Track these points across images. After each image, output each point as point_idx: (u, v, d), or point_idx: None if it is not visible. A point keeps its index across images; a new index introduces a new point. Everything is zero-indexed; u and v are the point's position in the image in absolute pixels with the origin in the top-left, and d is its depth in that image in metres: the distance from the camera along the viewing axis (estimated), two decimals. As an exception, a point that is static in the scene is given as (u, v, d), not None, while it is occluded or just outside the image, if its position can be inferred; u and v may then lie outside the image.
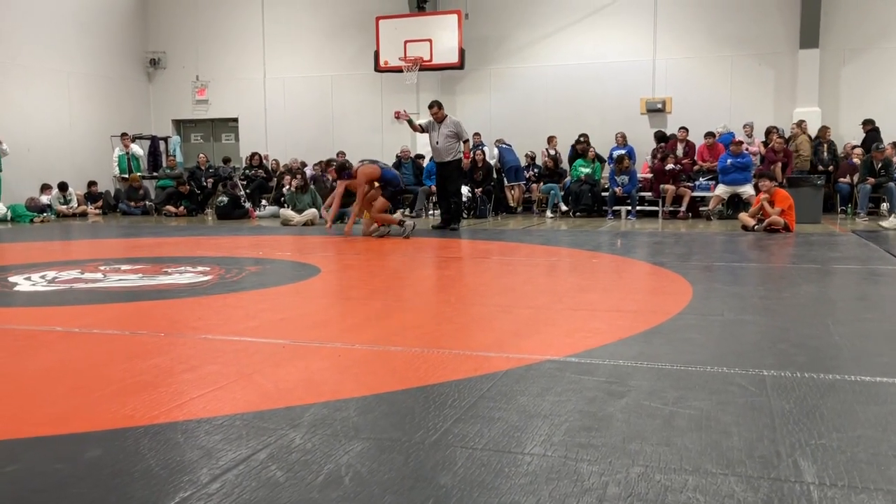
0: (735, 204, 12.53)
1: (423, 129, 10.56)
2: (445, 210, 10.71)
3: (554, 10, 15.32)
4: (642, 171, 13.85)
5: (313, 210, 12.33)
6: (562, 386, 2.82)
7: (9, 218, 13.55)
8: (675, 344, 3.51)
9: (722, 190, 12.43)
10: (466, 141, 10.54)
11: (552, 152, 14.46)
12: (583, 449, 2.20)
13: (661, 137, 14.23)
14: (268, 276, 6.12)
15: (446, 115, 10.41)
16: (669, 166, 12.98)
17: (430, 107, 10.48)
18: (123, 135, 16.22)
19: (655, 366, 3.09)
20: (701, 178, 13.22)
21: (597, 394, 2.73)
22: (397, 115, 10.45)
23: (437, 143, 10.36)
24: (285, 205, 12.86)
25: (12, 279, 5.84)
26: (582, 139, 13.95)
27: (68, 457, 2.18)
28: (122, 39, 17.28)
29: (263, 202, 14.90)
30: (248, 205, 14.26)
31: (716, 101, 14.46)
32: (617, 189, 13.02)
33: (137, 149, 16.42)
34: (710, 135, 13.49)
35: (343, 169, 9.94)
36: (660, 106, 14.72)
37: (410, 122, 10.58)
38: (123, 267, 6.45)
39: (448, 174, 10.58)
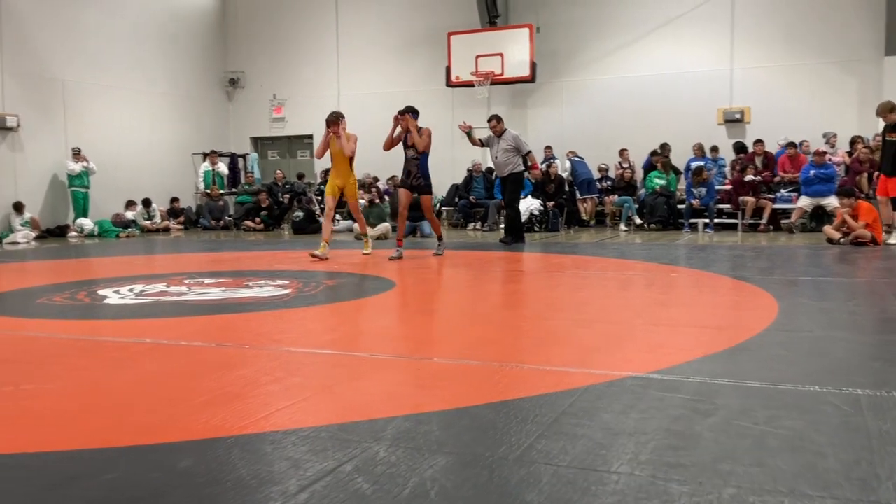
0: (819, 216, 12.11)
1: (483, 143, 10.37)
2: (512, 224, 10.63)
3: (627, 21, 15.16)
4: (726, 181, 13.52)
5: (386, 224, 12.48)
6: (646, 403, 2.76)
7: (96, 233, 14.14)
8: (763, 361, 3.41)
9: (805, 202, 12.04)
10: (529, 152, 10.30)
11: (626, 165, 14.28)
12: (671, 468, 2.15)
13: (739, 148, 13.89)
14: (344, 290, 6.21)
15: (505, 129, 10.24)
16: (749, 177, 12.65)
17: (489, 120, 10.34)
18: (212, 152, 16.80)
19: (743, 384, 3.00)
20: (782, 190, 12.83)
21: (683, 412, 2.66)
22: (461, 127, 9.99)
23: (497, 157, 10.23)
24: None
25: (102, 292, 6.08)
26: (658, 151, 13.74)
27: (163, 466, 2.25)
28: (203, 60, 17.89)
29: (338, 217, 15.15)
30: (322, 220, 14.51)
31: (796, 111, 14.02)
32: (694, 201, 12.74)
33: (223, 166, 16.96)
34: (791, 145, 13.10)
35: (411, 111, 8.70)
36: (738, 116, 14.37)
37: (470, 136, 10.29)
38: (207, 280, 6.64)
39: (506, 187, 10.49)
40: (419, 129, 8.56)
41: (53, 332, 4.48)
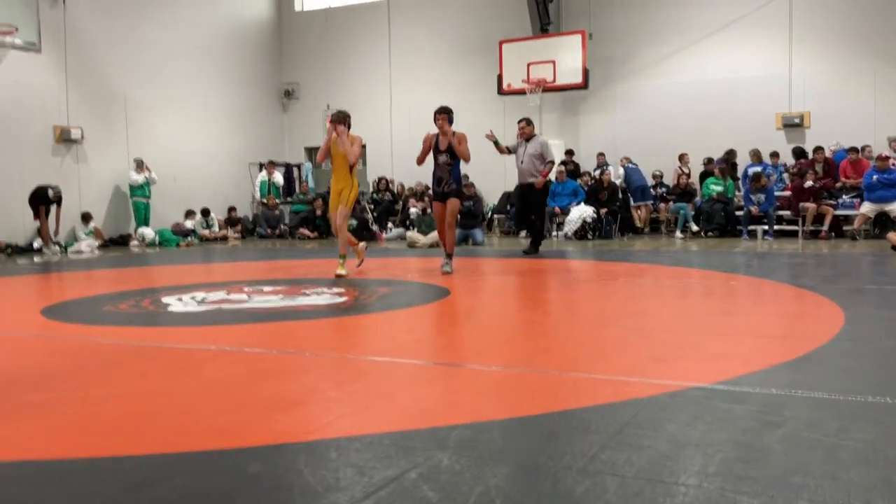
0: (882, 222, 11.75)
1: (510, 151, 9.89)
2: (535, 233, 10.27)
3: (681, 26, 14.97)
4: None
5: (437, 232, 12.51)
6: (712, 415, 2.72)
7: (157, 242, 14.50)
8: (831, 372, 3.32)
9: (868, 208, 11.70)
10: (551, 162, 9.85)
11: (686, 170, 14.08)
12: (741, 481, 2.11)
13: (799, 153, 13.58)
14: (400, 298, 6.25)
15: (535, 135, 9.86)
16: (809, 183, 12.35)
17: (520, 122, 9.92)
18: (270, 163, 17.11)
19: (812, 395, 2.93)
20: (844, 196, 12.49)
21: (751, 423, 2.61)
22: (488, 136, 9.61)
23: (522, 162, 9.77)
24: (411, 227, 13.13)
25: (165, 300, 6.23)
26: (711, 159, 13.53)
27: (231, 470, 2.29)
28: (259, 73, 18.24)
29: (390, 225, 15.27)
30: (375, 228, 14.66)
31: (858, 115, 13.64)
32: (753, 208, 12.49)
33: (279, 176, 17.27)
34: (853, 150, 12.76)
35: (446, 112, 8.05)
36: (797, 121, 14.05)
37: (497, 144, 9.77)
38: (265, 288, 6.75)
39: (532, 197, 9.96)
40: (454, 134, 7.79)
41: (120, 338, 4.61)
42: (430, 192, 10.17)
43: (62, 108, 13.85)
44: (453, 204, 7.88)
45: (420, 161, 8.20)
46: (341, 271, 7.58)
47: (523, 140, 9.82)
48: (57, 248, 12.86)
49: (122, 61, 14.91)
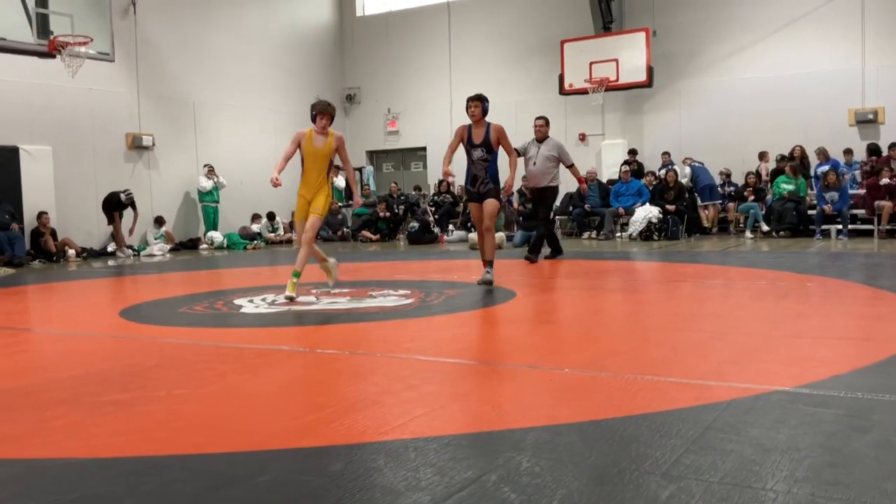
0: (965, 221, 11.26)
1: (519, 154, 8.36)
2: (549, 240, 9.51)
3: (748, 21, 14.61)
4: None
5: (500, 234, 12.49)
6: (796, 419, 2.64)
7: (225, 245, 14.84)
8: (921, 376, 3.20)
9: (949, 205, 11.23)
10: (572, 166, 9.23)
11: (767, 167, 13.77)
12: (831, 486, 2.05)
13: (873, 150, 13.11)
14: (466, 300, 6.25)
15: (548, 136, 9.15)
16: (885, 181, 11.92)
17: (538, 119, 9.29)
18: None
19: (901, 399, 2.82)
20: (923, 193, 12.01)
21: (838, 428, 2.53)
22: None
23: (534, 163, 9.04)
24: (472, 229, 13.11)
25: (237, 301, 6.36)
26: (792, 154, 13.20)
27: (314, 469, 2.33)
28: (322, 78, 18.50)
29: (451, 227, 15.30)
30: (437, 230, 14.71)
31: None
32: (826, 207, 12.10)
33: (341, 180, 17.48)
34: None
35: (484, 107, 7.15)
36: (871, 116, 13.56)
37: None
38: (333, 290, 6.84)
39: (542, 201, 9.21)
40: (489, 125, 7.05)
41: (197, 339, 4.72)
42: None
43: (134, 115, 14.30)
44: (491, 206, 6.99)
45: (447, 159, 7.20)
46: (291, 292, 6.07)
47: (535, 141, 9.18)
48: (130, 251, 13.29)
49: (190, 69, 15.31)
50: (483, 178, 7.08)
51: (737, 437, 2.48)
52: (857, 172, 13.16)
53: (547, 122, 9.28)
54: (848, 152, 13.40)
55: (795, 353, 3.74)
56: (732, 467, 2.21)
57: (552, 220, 9.40)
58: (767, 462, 2.25)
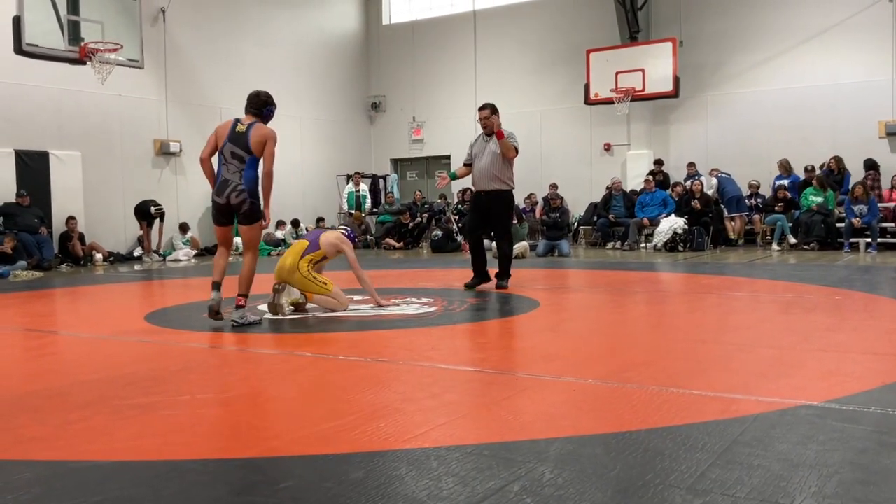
0: None
1: (468, 164, 7.58)
2: (501, 259, 7.67)
3: (777, 32, 14.48)
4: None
5: (524, 244, 12.45)
6: (825, 434, 2.59)
7: (250, 251, 14.93)
8: (954, 393, 3.13)
9: (982, 219, 11.02)
10: (516, 149, 7.46)
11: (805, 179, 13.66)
12: (862, 505, 2.01)
13: (904, 162, 12.92)
14: (489, 309, 6.23)
15: (502, 127, 7.36)
16: (916, 194, 11.73)
17: (481, 109, 7.49)
18: (356, 174, 17.42)
19: (934, 417, 2.76)
20: (955, 207, 11.81)
21: (867, 444, 2.48)
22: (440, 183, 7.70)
23: (481, 163, 7.38)
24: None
25: (261, 307, 6.39)
26: (825, 166, 13.05)
27: (335, 476, 2.32)
28: (347, 86, 18.62)
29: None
30: (460, 238, 14.69)
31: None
32: (854, 220, 11.93)
33: (365, 187, 17.55)
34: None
35: None
36: (902, 128, 13.38)
37: (454, 176, 7.88)
38: (355, 297, 6.85)
39: (494, 209, 7.42)
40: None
41: (221, 343, 4.75)
42: (532, 199, 9.12)
43: (162, 121, 14.47)
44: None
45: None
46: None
47: (485, 135, 7.49)
48: (156, 256, 13.44)
49: (218, 76, 15.47)
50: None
51: (764, 451, 2.44)
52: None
53: (494, 111, 7.40)
54: (872, 166, 13.18)
55: (823, 367, 3.67)
56: (759, 482, 2.18)
57: (509, 233, 7.77)
58: (795, 478, 2.21)
